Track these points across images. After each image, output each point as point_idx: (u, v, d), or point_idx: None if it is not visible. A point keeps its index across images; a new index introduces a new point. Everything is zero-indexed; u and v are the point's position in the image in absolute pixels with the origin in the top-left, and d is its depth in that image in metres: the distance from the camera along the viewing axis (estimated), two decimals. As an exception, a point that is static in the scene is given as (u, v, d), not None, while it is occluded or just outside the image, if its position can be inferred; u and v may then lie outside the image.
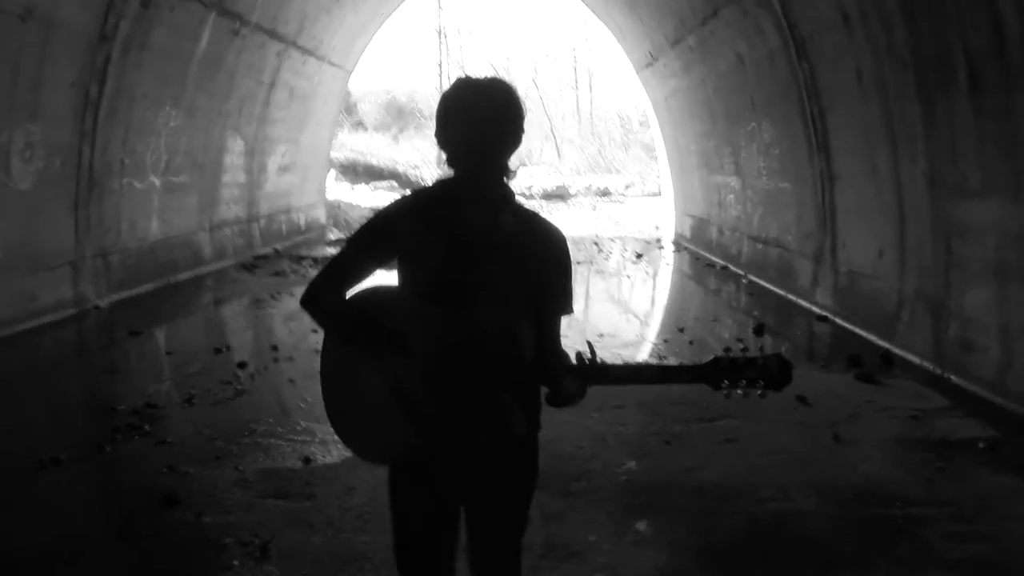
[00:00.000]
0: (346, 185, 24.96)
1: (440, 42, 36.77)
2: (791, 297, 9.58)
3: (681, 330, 8.15)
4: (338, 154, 25.37)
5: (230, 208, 12.74)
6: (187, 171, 11.05)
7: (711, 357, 1.95)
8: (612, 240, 16.69)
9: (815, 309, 8.73)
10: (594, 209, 23.91)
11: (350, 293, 2.10)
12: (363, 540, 3.50)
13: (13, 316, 7.46)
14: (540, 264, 2.05)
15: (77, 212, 8.57)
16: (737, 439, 4.79)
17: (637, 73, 17.13)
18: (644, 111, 22.27)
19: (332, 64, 15.96)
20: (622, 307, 10.20)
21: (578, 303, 10.56)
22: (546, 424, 2.15)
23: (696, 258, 13.80)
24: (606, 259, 13.92)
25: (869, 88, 7.29)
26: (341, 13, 14.67)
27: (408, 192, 2.21)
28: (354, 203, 21.59)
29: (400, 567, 2.16)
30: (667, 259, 14.21)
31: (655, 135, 18.75)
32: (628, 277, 12.36)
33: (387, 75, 46.71)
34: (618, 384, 2.09)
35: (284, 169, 15.06)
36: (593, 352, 1.97)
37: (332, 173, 22.14)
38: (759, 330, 8.01)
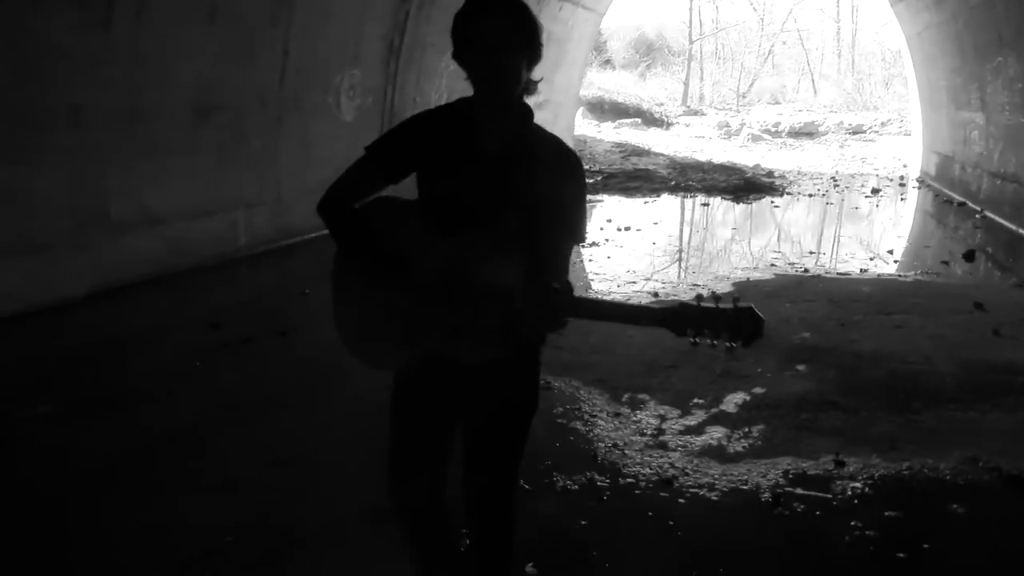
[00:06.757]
0: (592, 122, 26.19)
1: (693, -23, 36.66)
2: (1022, 232, 9.74)
3: (890, 251, 8.81)
4: (586, 92, 26.45)
5: (493, 142, 14.75)
6: (462, 108, 13.10)
7: (677, 303, 1.81)
8: (852, 176, 16.77)
9: (1041, 242, 8.95)
10: (841, 147, 23.49)
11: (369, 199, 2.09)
12: (596, 359, 5.03)
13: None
14: (552, 186, 2.01)
15: (381, 141, 10.84)
16: (904, 327, 5.73)
17: (891, 7, 16.81)
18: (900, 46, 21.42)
19: (585, 8, 17.34)
20: (843, 232, 10.83)
21: (803, 230, 11.32)
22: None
23: (937, 195, 13.78)
24: (839, 193, 14.29)
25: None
26: (597, -40, 15.95)
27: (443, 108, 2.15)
28: (599, 138, 23.00)
29: (389, 471, 2.17)
30: (906, 195, 14.27)
31: (907, 71, 18.25)
32: (856, 209, 12.77)
33: (637, 11, 47.12)
34: (585, 319, 1.94)
35: (539, 107, 16.33)
36: (568, 287, 1.92)
37: (580, 110, 23.58)
38: (969, 256, 8.47)
